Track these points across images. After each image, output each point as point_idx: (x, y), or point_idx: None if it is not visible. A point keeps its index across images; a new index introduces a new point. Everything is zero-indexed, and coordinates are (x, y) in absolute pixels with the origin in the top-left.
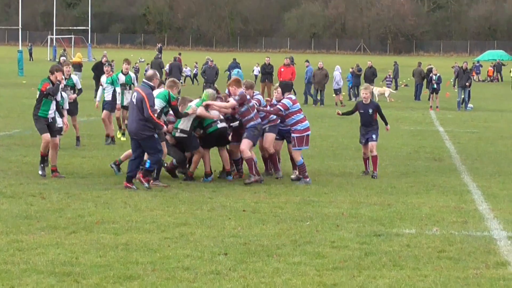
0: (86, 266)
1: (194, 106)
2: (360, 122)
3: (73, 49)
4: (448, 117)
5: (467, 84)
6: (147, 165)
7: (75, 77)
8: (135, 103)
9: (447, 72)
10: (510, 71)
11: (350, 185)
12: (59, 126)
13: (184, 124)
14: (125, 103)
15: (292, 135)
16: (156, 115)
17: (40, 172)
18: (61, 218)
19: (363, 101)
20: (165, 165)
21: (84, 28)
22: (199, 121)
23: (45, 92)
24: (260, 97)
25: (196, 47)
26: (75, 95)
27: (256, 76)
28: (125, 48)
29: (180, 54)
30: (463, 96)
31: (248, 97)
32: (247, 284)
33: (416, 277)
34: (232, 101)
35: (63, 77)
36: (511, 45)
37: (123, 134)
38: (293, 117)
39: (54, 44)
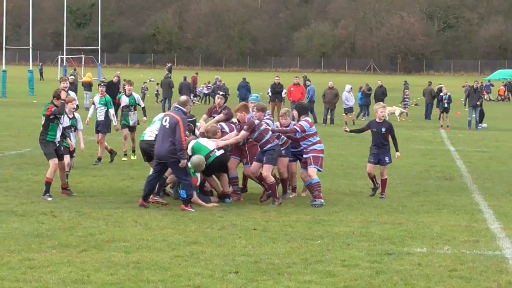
0: (97, 284)
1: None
2: (372, 142)
3: (83, 69)
4: (458, 136)
5: (477, 103)
6: (183, 195)
7: (72, 93)
8: (167, 126)
9: (457, 91)
10: None
11: (360, 204)
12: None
13: (148, 134)
14: (131, 124)
15: (309, 154)
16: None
17: (49, 199)
18: (72, 237)
19: (377, 120)
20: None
21: (94, 48)
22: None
23: (51, 116)
24: (269, 121)
25: (206, 67)
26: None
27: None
28: (135, 68)
29: (197, 73)
30: (474, 115)
31: (257, 121)
32: None
33: None
34: (242, 133)
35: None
36: None
37: (133, 152)
38: (310, 139)
39: (64, 63)
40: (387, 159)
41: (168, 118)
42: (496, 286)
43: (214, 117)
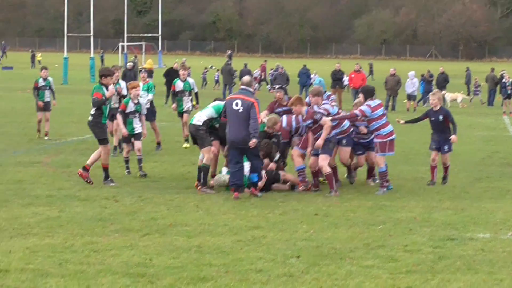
0: (160, 268)
1: None
2: (432, 129)
3: (144, 56)
4: None
5: None
6: (255, 179)
7: (123, 83)
8: (240, 110)
9: None
10: None
11: (422, 190)
12: (137, 131)
13: (197, 118)
14: (184, 109)
15: (375, 140)
16: (203, 125)
17: (111, 184)
18: (134, 221)
19: (433, 108)
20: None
21: (155, 35)
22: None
23: (103, 99)
24: (327, 106)
25: (266, 54)
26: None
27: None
28: (195, 55)
29: (265, 61)
30: None
31: (316, 108)
32: (320, 286)
33: (491, 281)
34: (327, 123)
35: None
36: None
37: (187, 141)
38: (374, 123)
39: (125, 51)
40: (446, 147)
41: (239, 101)
42: None
43: (276, 113)
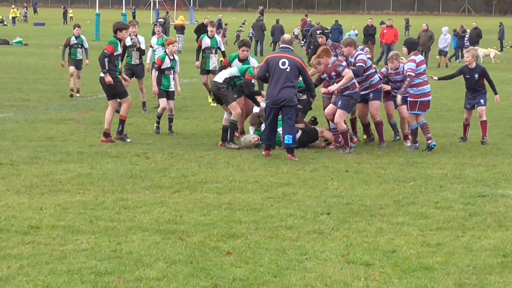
0: (190, 225)
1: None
2: (466, 87)
3: (176, 12)
4: None
5: None
6: (290, 141)
7: (141, 38)
8: (288, 70)
9: None
10: None
11: (454, 146)
12: (172, 89)
13: (218, 76)
14: (210, 67)
15: (409, 98)
16: (224, 83)
17: (127, 140)
18: (165, 178)
19: (469, 66)
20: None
21: None
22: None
23: (107, 52)
24: (363, 56)
25: (298, 9)
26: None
27: None
28: (227, 11)
29: (306, 15)
30: None
31: (343, 63)
32: (350, 243)
33: None
34: (348, 74)
35: (129, 37)
36: None
37: (213, 100)
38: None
39: (157, 7)
40: (482, 100)
41: (286, 60)
42: None
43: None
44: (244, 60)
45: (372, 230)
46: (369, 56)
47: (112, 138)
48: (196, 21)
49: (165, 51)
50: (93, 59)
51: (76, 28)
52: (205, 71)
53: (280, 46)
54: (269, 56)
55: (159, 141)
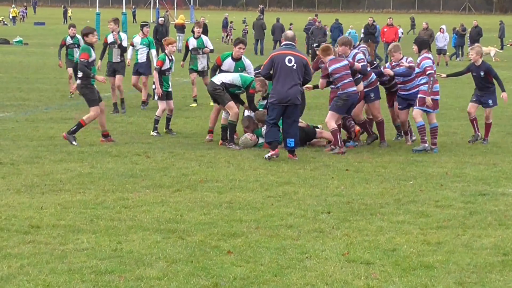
0: (191, 224)
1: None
2: (475, 84)
3: (176, 11)
4: None
5: None
6: (292, 144)
7: (123, 35)
8: (295, 67)
9: None
10: None
11: (454, 145)
12: (170, 89)
13: (217, 77)
14: (199, 68)
15: (419, 94)
16: (220, 86)
17: (74, 143)
18: (165, 177)
19: (475, 63)
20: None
21: None
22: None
23: (88, 60)
24: (361, 55)
25: (298, 8)
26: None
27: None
28: (227, 10)
29: (316, 15)
30: None
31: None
32: (351, 242)
33: None
34: (357, 65)
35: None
36: None
37: (195, 101)
38: (422, 76)
39: (157, 6)
40: (490, 101)
41: (292, 58)
42: None
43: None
44: (238, 60)
45: (373, 229)
46: (364, 52)
47: (111, 138)
48: (196, 20)
49: (164, 52)
50: None
51: (71, 28)
52: (194, 70)
53: (284, 43)
54: (274, 53)
55: (159, 140)
